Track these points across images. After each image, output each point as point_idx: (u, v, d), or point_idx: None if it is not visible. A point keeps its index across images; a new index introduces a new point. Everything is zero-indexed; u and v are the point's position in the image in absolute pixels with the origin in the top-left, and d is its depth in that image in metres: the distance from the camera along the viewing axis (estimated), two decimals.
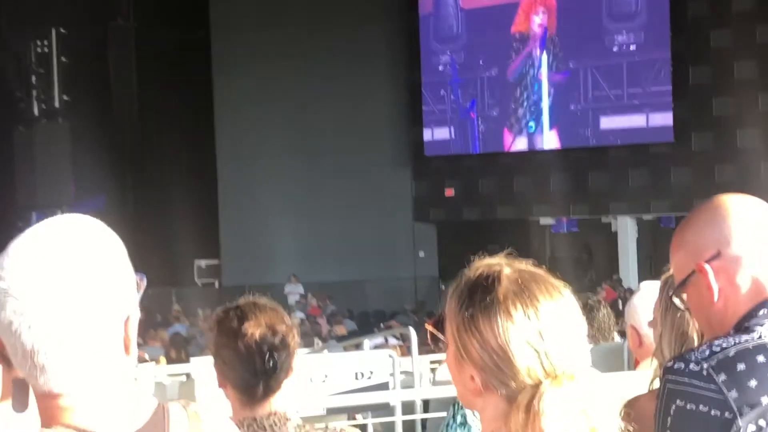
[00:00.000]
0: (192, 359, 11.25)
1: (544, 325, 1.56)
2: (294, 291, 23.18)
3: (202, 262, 24.64)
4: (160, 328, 16.79)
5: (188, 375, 9.83)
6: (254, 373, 2.62)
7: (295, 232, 24.39)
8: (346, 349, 11.68)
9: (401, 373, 7.55)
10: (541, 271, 1.62)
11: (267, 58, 24.27)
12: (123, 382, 1.46)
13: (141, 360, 10.44)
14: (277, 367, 2.62)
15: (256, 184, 24.38)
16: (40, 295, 1.38)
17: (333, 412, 6.61)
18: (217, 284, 24.64)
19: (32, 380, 1.43)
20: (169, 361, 12.13)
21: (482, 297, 1.57)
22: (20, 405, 1.53)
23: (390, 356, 7.65)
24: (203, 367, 8.50)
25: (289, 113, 24.49)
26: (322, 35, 24.52)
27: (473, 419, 2.71)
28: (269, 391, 2.64)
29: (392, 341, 12.89)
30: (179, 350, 13.65)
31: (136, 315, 1.47)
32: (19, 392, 1.53)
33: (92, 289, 1.40)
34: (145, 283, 1.56)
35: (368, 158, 25.15)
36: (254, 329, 2.62)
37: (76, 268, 1.39)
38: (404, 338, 11.81)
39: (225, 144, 24.57)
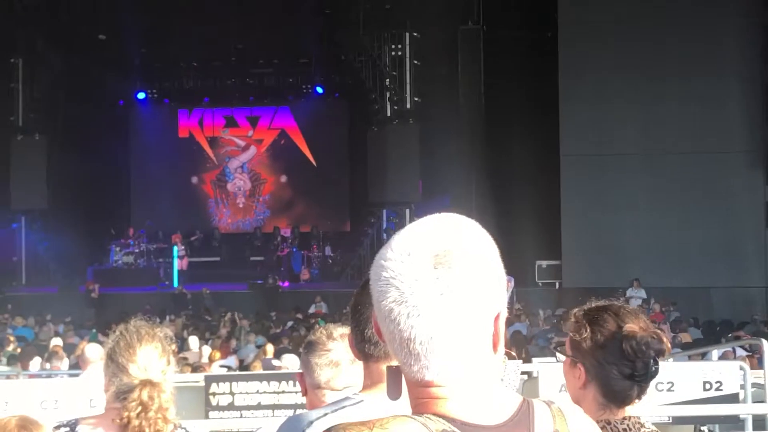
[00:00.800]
0: (534, 359, 11.36)
1: None
2: (636, 296, 22.65)
3: (543, 263, 24.68)
4: None
5: (529, 374, 9.91)
6: (631, 376, 2.60)
7: (638, 235, 23.80)
8: (691, 358, 11.32)
9: (752, 385, 7.21)
10: None
11: (615, 57, 23.87)
12: (492, 376, 1.50)
13: (509, 357, 10.68)
14: (657, 372, 2.59)
15: (600, 185, 24.06)
16: (421, 285, 1.44)
17: (679, 421, 6.43)
18: (557, 285, 24.58)
19: (406, 368, 1.49)
20: (509, 358, 12.27)
21: None
22: (394, 392, 1.61)
23: (741, 368, 7.31)
24: (546, 368, 8.57)
25: (634, 112, 23.94)
26: (675, 31, 23.71)
27: None
28: (641, 395, 2.61)
29: (740, 352, 12.33)
30: (520, 349, 13.76)
31: (504, 313, 1.51)
32: (392, 380, 1.61)
33: (472, 283, 1.44)
34: (512, 284, 1.59)
35: (717, 159, 24.01)
36: (640, 332, 2.59)
37: (457, 262, 1.44)
38: (753, 350, 11.28)
39: (569, 144, 24.43)
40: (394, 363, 1.56)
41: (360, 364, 2.90)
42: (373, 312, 1.53)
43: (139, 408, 2.91)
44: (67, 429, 3.04)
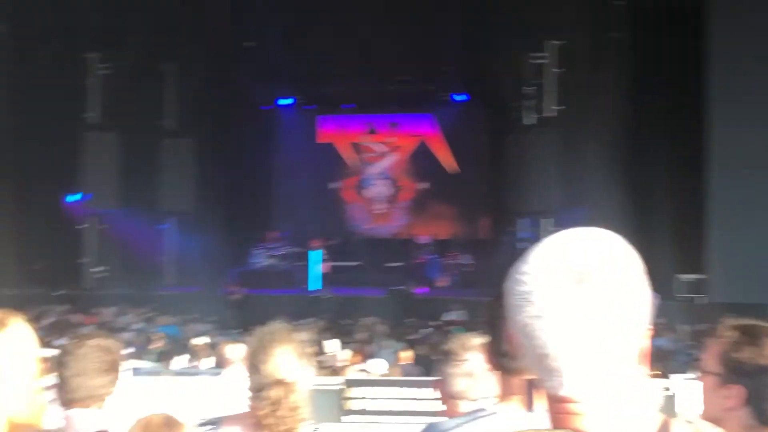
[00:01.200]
0: (671, 376, 11.07)
1: None
2: None
3: (685, 276, 24.06)
4: None
5: (668, 390, 9.68)
6: None
7: None
8: None
9: None
10: None
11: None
12: (631, 393, 1.48)
13: (650, 374, 10.48)
14: None
15: (750, 197, 23.29)
16: (562, 300, 1.43)
17: None
18: (699, 299, 23.91)
19: (543, 382, 1.48)
20: (650, 376, 11.99)
21: None
22: (529, 405, 1.62)
23: None
24: (684, 385, 8.37)
25: None
26: None
27: None
28: None
29: None
30: (659, 365, 13.44)
31: (647, 330, 1.48)
32: (527, 393, 1.61)
33: (612, 300, 1.43)
34: (657, 300, 1.56)
35: None
36: None
37: (598, 278, 1.43)
38: None
39: (718, 155, 23.73)
40: (531, 376, 1.55)
41: (494, 374, 2.89)
42: (509, 325, 1.53)
43: (271, 406, 2.98)
44: (210, 427, 3.14)
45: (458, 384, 2.97)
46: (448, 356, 3.02)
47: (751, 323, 2.59)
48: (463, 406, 2.91)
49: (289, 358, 3.09)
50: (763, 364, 2.48)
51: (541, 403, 1.58)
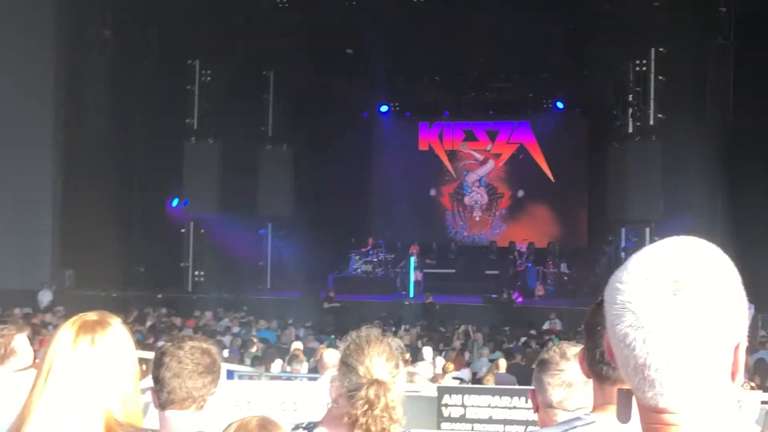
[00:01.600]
0: None
1: None
2: None
3: None
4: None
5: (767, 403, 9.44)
6: None
7: None
8: None
9: None
10: None
11: None
12: (729, 406, 1.45)
13: (750, 387, 10.29)
14: None
15: None
16: (659, 311, 1.41)
17: None
18: None
19: (639, 393, 1.47)
20: (750, 389, 11.72)
21: None
22: (625, 416, 1.59)
23: None
24: None
25: None
26: None
27: None
28: None
29: None
30: (763, 378, 13.11)
31: (744, 342, 1.46)
32: (623, 403, 1.59)
33: (711, 311, 1.41)
34: (752, 311, 1.53)
35: None
36: None
37: (697, 289, 1.41)
38: None
39: None
40: (627, 386, 1.53)
41: (591, 384, 2.86)
42: (606, 334, 1.52)
43: (366, 406, 3.01)
44: (306, 430, 3.17)
45: (555, 394, 2.95)
46: (545, 365, 2.99)
47: None
48: (559, 416, 2.88)
49: (383, 359, 3.11)
50: None
51: (637, 414, 1.55)
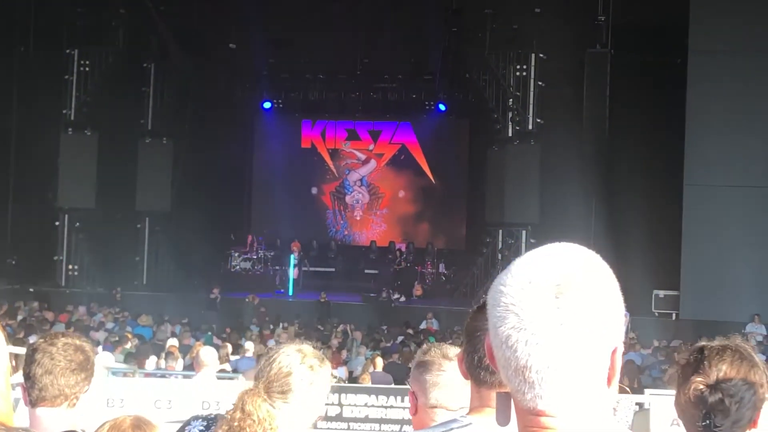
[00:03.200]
0: (646, 390, 11.13)
1: None
2: (756, 331, 21.98)
3: (661, 293, 24.19)
4: None
5: (641, 405, 9.72)
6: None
7: (760, 270, 23.12)
8: None
9: None
10: None
11: (746, 88, 23.29)
12: (604, 410, 1.48)
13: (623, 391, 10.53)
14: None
15: (723, 217, 23.45)
16: (542, 314, 1.43)
17: None
18: (674, 316, 24.06)
19: (519, 395, 1.48)
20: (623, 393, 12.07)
21: None
22: (504, 418, 1.61)
23: None
24: (658, 400, 8.40)
25: (763, 144, 23.32)
26: None
27: None
28: None
29: None
30: (632, 379, 13.50)
31: (621, 347, 1.49)
32: (502, 406, 1.61)
33: (592, 315, 1.43)
34: (628, 318, 1.57)
35: None
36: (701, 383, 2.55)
37: (579, 293, 1.43)
38: None
39: (694, 174, 23.90)
40: (505, 389, 1.55)
41: (470, 385, 2.91)
42: (487, 337, 1.53)
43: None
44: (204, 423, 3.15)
45: (439, 394, 2.97)
46: (426, 366, 3.02)
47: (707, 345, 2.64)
48: (439, 416, 2.91)
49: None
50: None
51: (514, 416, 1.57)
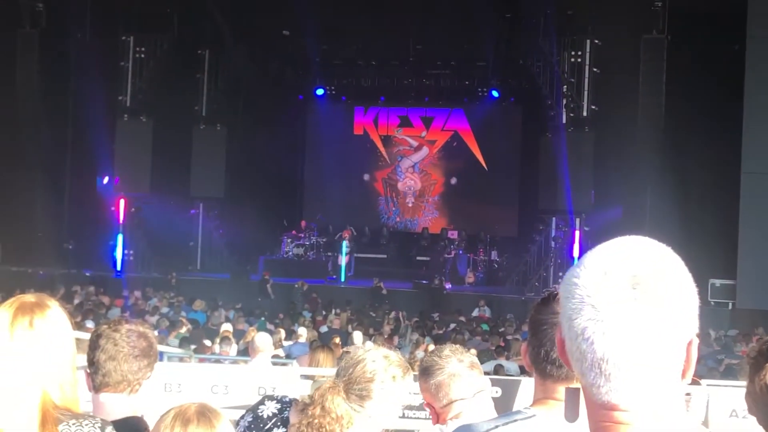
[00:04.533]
0: (702, 381, 10.99)
1: None
2: None
3: (717, 281, 23.87)
4: None
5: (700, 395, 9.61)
6: None
7: None
8: None
9: None
10: None
11: None
12: (679, 404, 1.46)
13: (696, 383, 10.41)
14: None
15: None
16: (619, 305, 1.42)
17: None
18: (730, 305, 23.73)
19: (593, 389, 1.46)
20: (693, 382, 11.91)
21: None
22: (572, 414, 1.59)
23: None
24: (714, 390, 8.29)
25: None
26: None
27: None
28: None
29: None
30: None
31: (696, 339, 1.47)
32: (571, 401, 1.59)
33: (669, 307, 1.42)
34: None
35: None
36: None
37: (656, 284, 1.42)
38: None
39: (752, 161, 23.50)
40: (574, 385, 1.54)
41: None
42: (558, 331, 1.52)
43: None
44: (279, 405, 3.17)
45: (450, 389, 3.05)
46: (427, 371, 3.13)
47: None
48: (457, 410, 2.99)
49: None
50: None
51: (583, 410, 1.56)
